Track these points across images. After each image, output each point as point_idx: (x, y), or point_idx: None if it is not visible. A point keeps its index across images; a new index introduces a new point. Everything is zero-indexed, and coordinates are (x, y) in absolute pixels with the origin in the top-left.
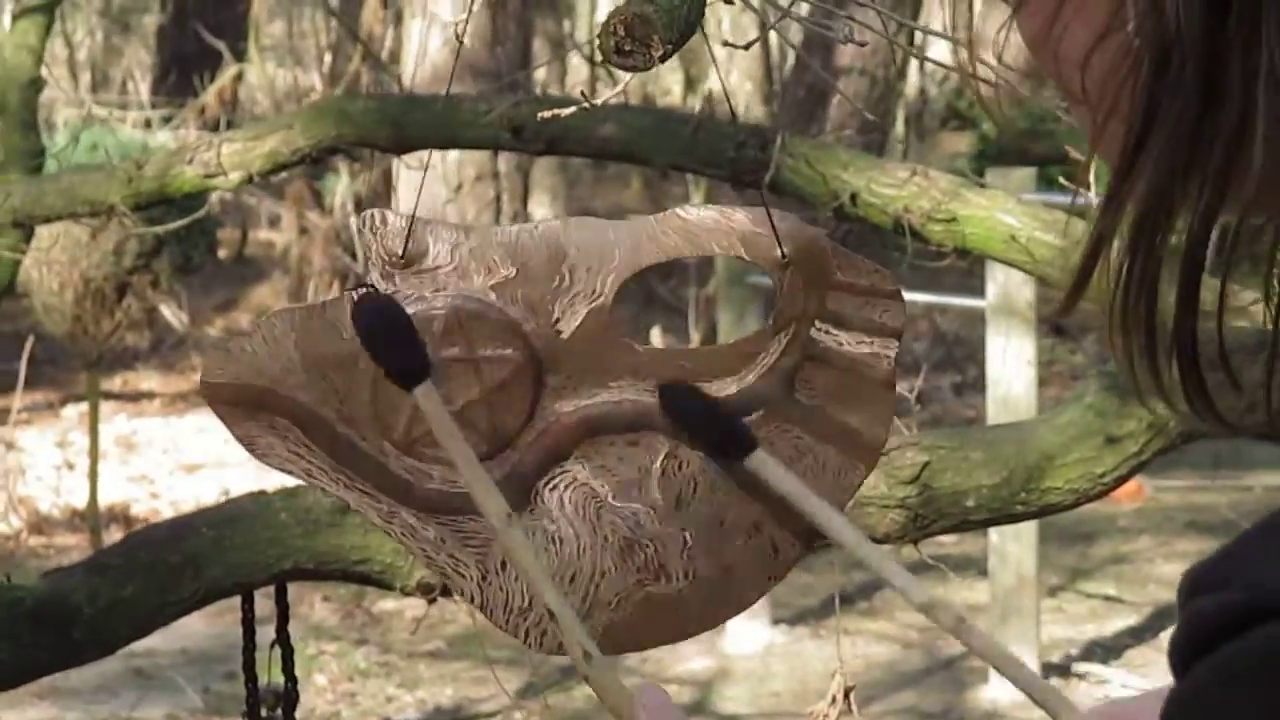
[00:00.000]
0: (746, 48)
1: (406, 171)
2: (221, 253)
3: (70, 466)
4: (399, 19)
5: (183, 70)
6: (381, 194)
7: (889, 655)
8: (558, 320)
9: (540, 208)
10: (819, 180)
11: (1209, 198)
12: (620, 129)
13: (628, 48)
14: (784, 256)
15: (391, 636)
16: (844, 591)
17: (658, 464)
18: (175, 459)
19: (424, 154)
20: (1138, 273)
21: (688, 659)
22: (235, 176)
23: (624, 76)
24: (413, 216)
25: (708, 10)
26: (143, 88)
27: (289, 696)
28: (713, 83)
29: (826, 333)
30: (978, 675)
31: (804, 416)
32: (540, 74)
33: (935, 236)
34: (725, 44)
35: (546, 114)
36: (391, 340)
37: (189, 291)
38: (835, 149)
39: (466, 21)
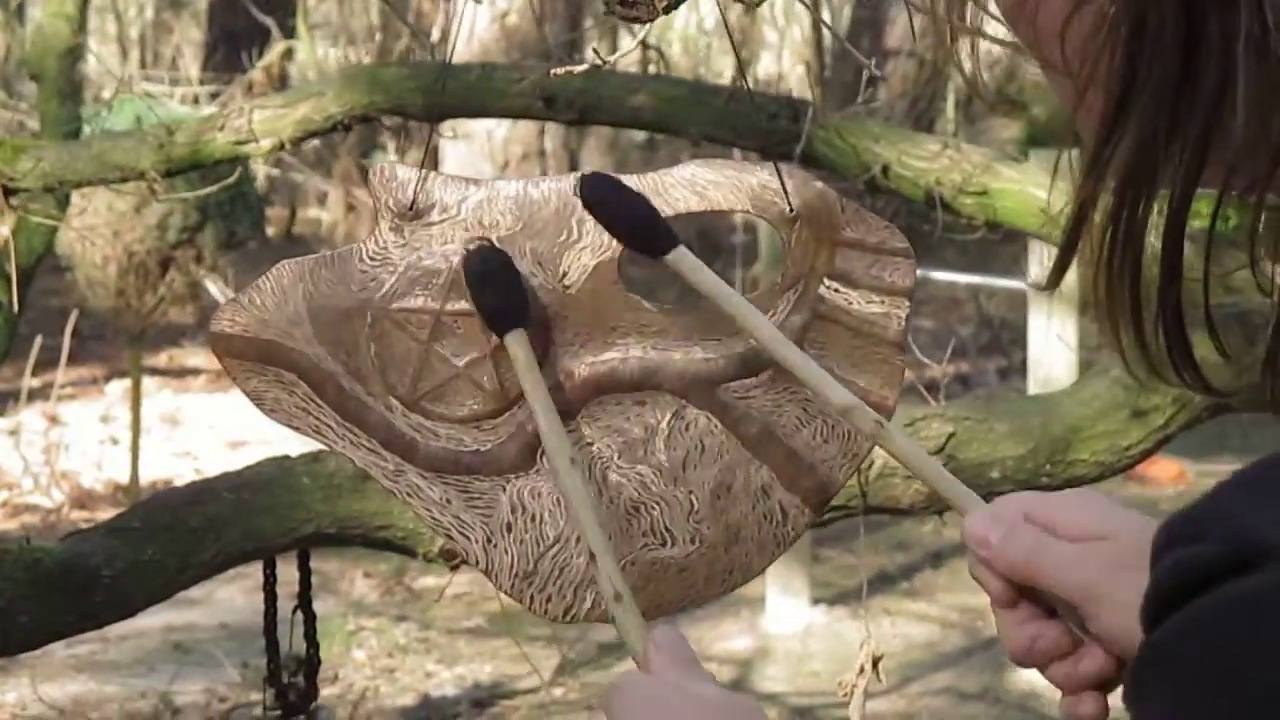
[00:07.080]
0: (755, 6)
1: (453, 148)
2: (270, 230)
3: (114, 442)
4: None
5: (232, 47)
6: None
7: (928, 635)
8: (565, 274)
9: None
10: (850, 152)
11: (1190, 162)
12: (653, 99)
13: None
14: (791, 210)
15: (431, 613)
16: (885, 572)
17: (664, 424)
18: (220, 435)
19: (468, 126)
20: (1121, 240)
21: (728, 638)
22: (267, 143)
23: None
24: (421, 169)
25: None
26: (193, 65)
27: (311, 663)
28: (764, 65)
29: (836, 290)
30: None
31: None
32: (589, 53)
33: (966, 210)
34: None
35: (559, 70)
36: (493, 285)
37: (236, 269)
38: (867, 122)
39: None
